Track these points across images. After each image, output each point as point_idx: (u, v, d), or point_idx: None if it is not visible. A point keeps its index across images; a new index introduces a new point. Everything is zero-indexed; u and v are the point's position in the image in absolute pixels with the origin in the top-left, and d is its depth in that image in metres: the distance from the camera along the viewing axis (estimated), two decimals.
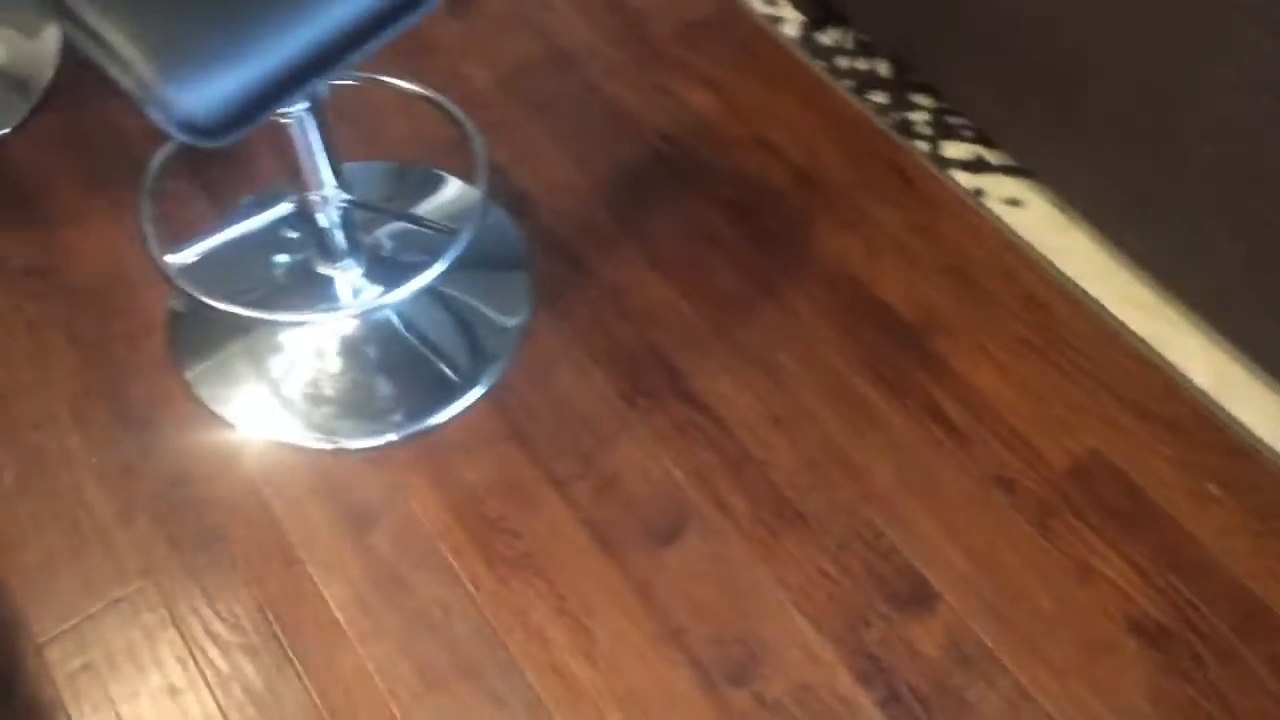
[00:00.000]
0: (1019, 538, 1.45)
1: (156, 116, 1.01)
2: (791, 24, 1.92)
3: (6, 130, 1.79)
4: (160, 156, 1.57)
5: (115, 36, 1.01)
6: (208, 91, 0.99)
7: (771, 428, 1.53)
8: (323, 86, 1.32)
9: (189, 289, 1.45)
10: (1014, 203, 1.71)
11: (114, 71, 1.04)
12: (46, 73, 1.86)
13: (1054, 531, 1.45)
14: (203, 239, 1.50)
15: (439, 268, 1.46)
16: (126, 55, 1.01)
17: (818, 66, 1.88)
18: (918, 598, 1.41)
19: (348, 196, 1.46)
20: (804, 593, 1.41)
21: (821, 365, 1.58)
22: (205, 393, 1.55)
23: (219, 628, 1.37)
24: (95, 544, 1.43)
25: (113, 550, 1.43)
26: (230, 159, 1.77)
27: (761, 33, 1.94)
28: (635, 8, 1.97)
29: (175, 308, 1.61)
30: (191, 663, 1.35)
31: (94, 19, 1.03)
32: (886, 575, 1.42)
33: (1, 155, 1.77)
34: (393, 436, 1.52)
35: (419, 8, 1.09)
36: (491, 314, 1.63)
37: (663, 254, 1.69)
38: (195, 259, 1.50)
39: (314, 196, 1.45)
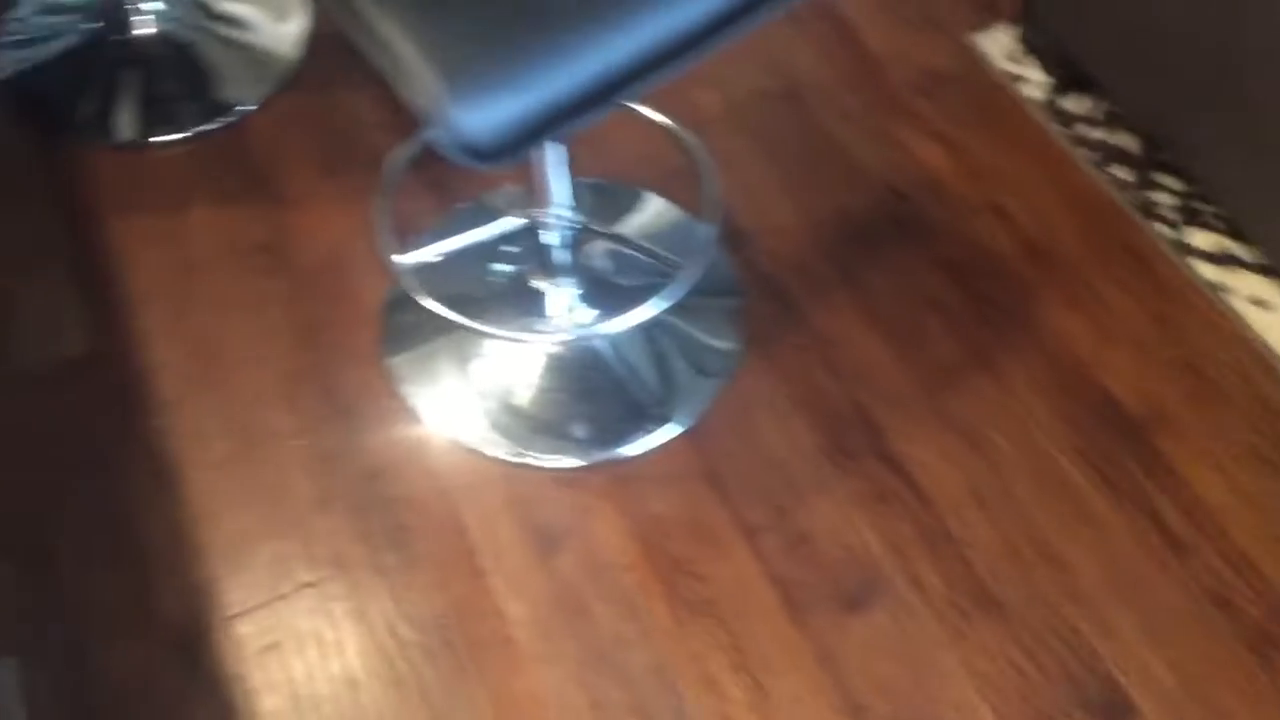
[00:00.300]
0: (1232, 663, 1.35)
1: (437, 135, 1.01)
2: (1036, 85, 1.85)
3: (251, 107, 1.85)
4: (399, 158, 1.59)
5: (405, 49, 1.02)
6: (495, 115, 0.99)
7: (975, 507, 1.47)
8: None
9: (413, 292, 1.47)
10: (1261, 304, 1.61)
11: (397, 83, 1.05)
12: (294, 54, 1.91)
13: (1273, 663, 1.35)
14: (430, 242, 1.52)
15: (659, 305, 1.44)
16: (415, 70, 1.01)
17: (1060, 133, 1.80)
18: (1114, 709, 1.33)
19: (580, 219, 1.46)
20: (993, 684, 1.34)
21: (1034, 448, 1.51)
22: (408, 388, 1.57)
23: (402, 628, 1.39)
24: (292, 526, 1.46)
25: (308, 535, 1.45)
26: None
27: (1003, 91, 1.87)
28: (874, 52, 1.92)
29: (390, 299, 1.64)
30: (372, 658, 1.37)
31: (385, 28, 1.03)
32: (1083, 680, 1.35)
33: (243, 131, 1.83)
34: (585, 460, 1.52)
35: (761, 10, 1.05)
36: (698, 349, 1.61)
37: (878, 310, 1.64)
38: (420, 262, 1.51)
39: (546, 215, 1.45)
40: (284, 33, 1.94)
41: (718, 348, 1.61)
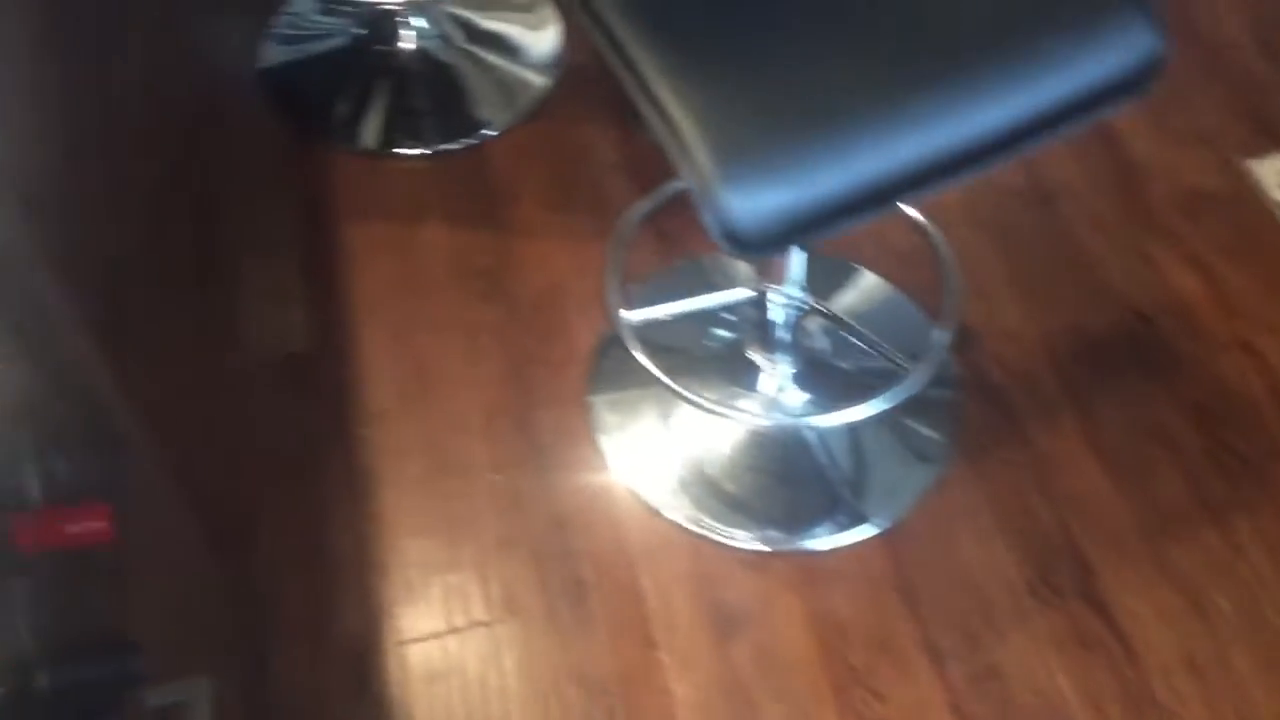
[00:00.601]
0: None
1: (702, 213, 0.99)
2: None
3: (494, 133, 1.87)
4: (637, 213, 1.58)
5: (684, 121, 1.00)
6: (764, 205, 0.96)
7: (1187, 674, 1.36)
8: None
9: (630, 346, 1.45)
10: None
11: (670, 153, 1.02)
12: (544, 84, 1.93)
13: None
14: (649, 293, 1.50)
15: (877, 407, 1.39)
16: (689, 144, 0.99)
17: None
18: None
19: (811, 302, 1.41)
20: None
21: (1260, 619, 1.39)
22: (605, 437, 1.55)
23: (568, 687, 1.36)
24: (473, 561, 1.46)
25: (487, 573, 1.45)
26: (691, 212, 1.78)
27: (1273, 223, 1.74)
28: (1137, 161, 1.82)
29: (601, 344, 1.63)
30: (533, 712, 1.35)
31: (667, 97, 1.01)
32: None
33: (482, 154, 1.86)
34: (770, 546, 1.47)
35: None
36: (905, 447, 1.54)
37: (1105, 439, 1.54)
38: (645, 320, 1.50)
39: (775, 291, 1.41)
40: (538, 63, 1.96)
41: (926, 449, 1.54)
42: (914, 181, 0.99)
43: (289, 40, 2.00)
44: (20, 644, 0.78)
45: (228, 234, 1.76)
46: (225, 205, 1.79)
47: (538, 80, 1.94)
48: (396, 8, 1.93)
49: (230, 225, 1.77)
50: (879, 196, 0.99)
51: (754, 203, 0.96)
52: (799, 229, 0.98)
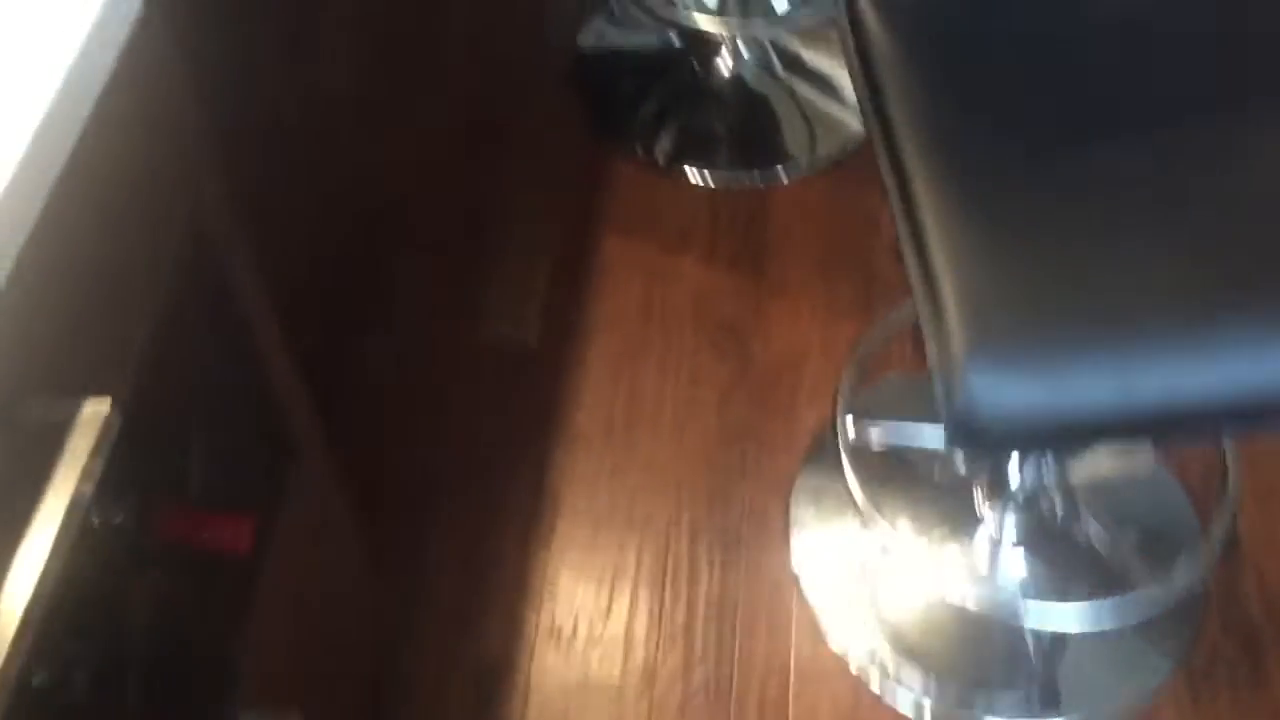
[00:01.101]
0: None
1: (935, 386, 0.87)
2: None
3: (783, 180, 1.78)
4: (898, 315, 1.46)
5: (946, 271, 0.88)
6: (1012, 397, 0.83)
7: None
8: None
9: (849, 471, 1.34)
10: None
11: (919, 298, 0.91)
12: (852, 135, 1.81)
13: None
14: (892, 415, 1.38)
15: (1101, 621, 1.22)
16: (945, 298, 0.87)
17: None
18: None
19: (1058, 475, 1.26)
20: None
21: None
22: (801, 540, 1.44)
23: None
24: (624, 621, 1.40)
25: (633, 639, 1.38)
26: None
27: None
28: None
29: (824, 429, 1.52)
30: None
31: (936, 247, 0.90)
32: None
33: (765, 197, 1.77)
34: (940, 718, 1.33)
35: None
36: (1122, 651, 1.36)
37: None
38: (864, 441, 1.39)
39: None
40: (854, 104, 1.85)
41: (1145, 658, 1.36)
42: (1198, 421, 0.84)
43: (615, 23, 1.96)
44: (124, 640, 0.78)
45: (492, 214, 1.76)
46: (501, 184, 1.79)
47: (850, 129, 1.82)
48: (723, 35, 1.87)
49: (498, 206, 1.77)
50: (1150, 427, 0.84)
51: (1000, 394, 0.84)
52: (1042, 438, 0.85)
